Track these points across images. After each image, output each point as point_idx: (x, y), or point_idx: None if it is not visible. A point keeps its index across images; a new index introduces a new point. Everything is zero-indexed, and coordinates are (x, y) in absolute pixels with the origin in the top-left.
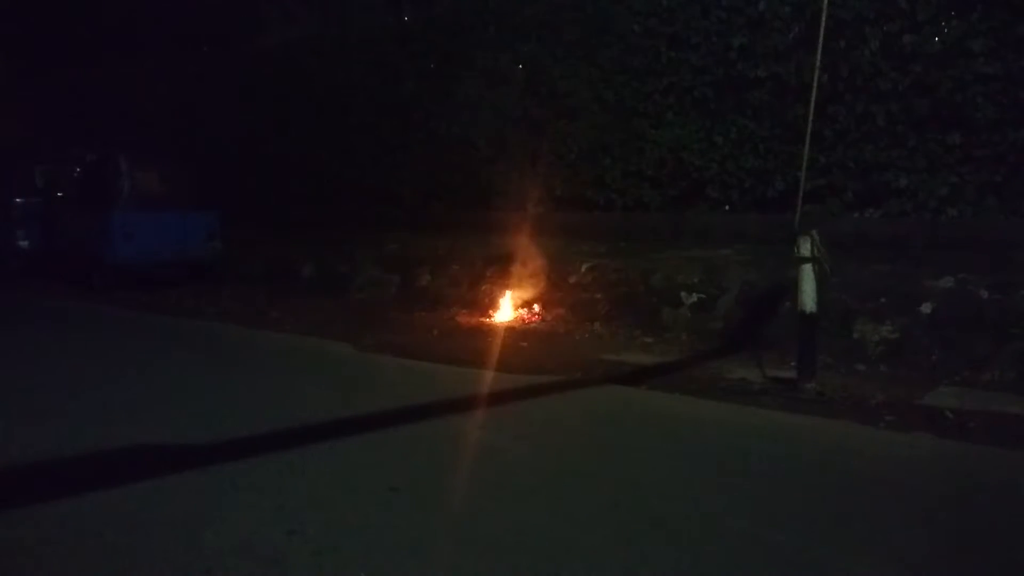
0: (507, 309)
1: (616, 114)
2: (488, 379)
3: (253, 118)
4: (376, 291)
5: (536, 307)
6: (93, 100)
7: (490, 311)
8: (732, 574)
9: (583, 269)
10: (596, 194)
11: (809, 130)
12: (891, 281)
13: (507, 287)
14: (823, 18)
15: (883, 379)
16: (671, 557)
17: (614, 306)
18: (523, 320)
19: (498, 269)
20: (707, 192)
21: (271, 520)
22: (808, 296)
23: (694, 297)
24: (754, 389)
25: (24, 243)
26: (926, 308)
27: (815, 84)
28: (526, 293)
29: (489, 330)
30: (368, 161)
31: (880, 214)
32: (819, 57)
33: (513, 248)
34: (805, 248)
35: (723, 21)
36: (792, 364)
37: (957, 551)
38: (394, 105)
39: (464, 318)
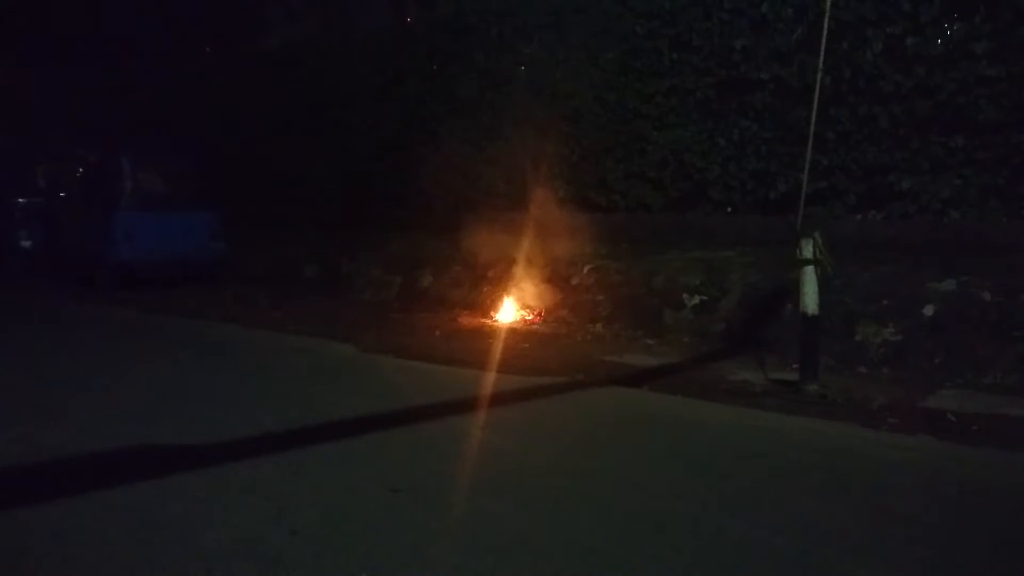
0: (509, 310)
1: (618, 116)
2: (490, 380)
3: (255, 118)
4: (378, 292)
5: (538, 308)
6: (95, 100)
7: (492, 312)
8: (733, 575)
9: (585, 270)
10: (598, 195)
11: (811, 132)
12: (893, 283)
13: (509, 288)
14: (825, 20)
15: (885, 381)
16: (672, 559)
17: (616, 308)
18: (525, 321)
19: (500, 270)
20: (709, 194)
21: (272, 521)
22: (810, 298)
23: (696, 299)
24: (756, 391)
25: (26, 243)
26: (928, 311)
27: (817, 86)
28: (528, 294)
29: (491, 331)
30: (370, 162)
31: (882, 216)
32: (821, 59)
33: (515, 249)
34: (807, 250)
35: (725, 23)
36: (794, 366)
37: (959, 554)
38: (396, 106)
39: (466, 319)
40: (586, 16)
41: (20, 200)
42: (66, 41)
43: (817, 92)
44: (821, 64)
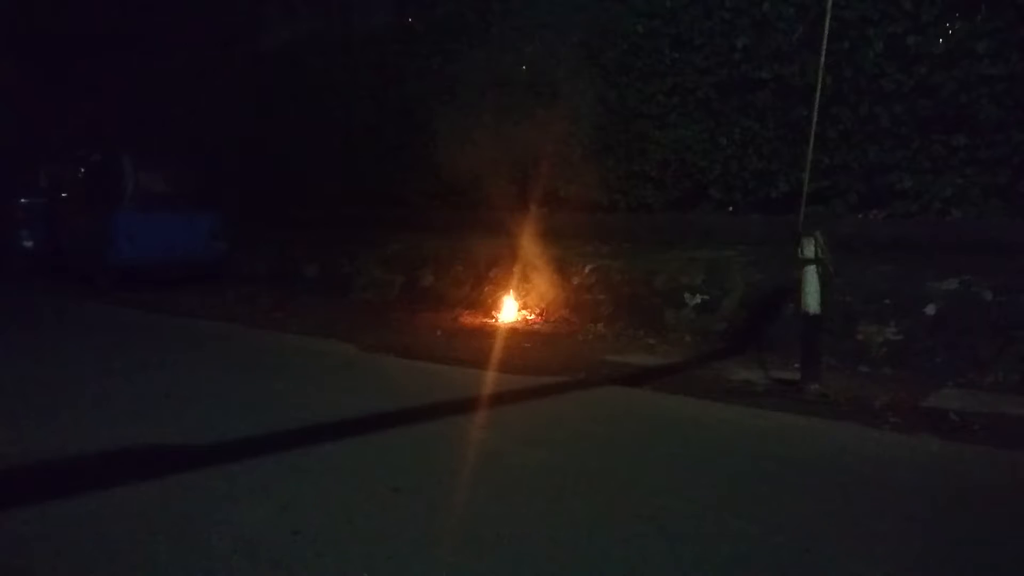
0: (510, 310)
1: (619, 115)
2: (491, 380)
3: (256, 118)
4: (379, 291)
5: (539, 308)
6: (97, 100)
7: (493, 312)
8: (733, 575)
9: (586, 270)
10: (599, 195)
11: (813, 131)
12: (895, 283)
13: (510, 288)
14: (827, 19)
15: (887, 381)
16: (673, 558)
17: (617, 307)
18: (526, 321)
19: (501, 270)
20: (710, 193)
21: (274, 520)
22: (812, 297)
23: (697, 298)
24: (757, 390)
25: (28, 243)
26: (930, 310)
27: (819, 85)
28: (529, 294)
29: (492, 331)
30: (371, 161)
31: (884, 215)
32: (823, 58)
33: (516, 249)
34: (809, 249)
35: (727, 22)
36: (795, 366)
37: (960, 553)
38: (397, 105)
39: (467, 319)
40: (587, 15)
41: (22, 200)
42: (67, 41)
43: (818, 91)
44: (822, 63)
